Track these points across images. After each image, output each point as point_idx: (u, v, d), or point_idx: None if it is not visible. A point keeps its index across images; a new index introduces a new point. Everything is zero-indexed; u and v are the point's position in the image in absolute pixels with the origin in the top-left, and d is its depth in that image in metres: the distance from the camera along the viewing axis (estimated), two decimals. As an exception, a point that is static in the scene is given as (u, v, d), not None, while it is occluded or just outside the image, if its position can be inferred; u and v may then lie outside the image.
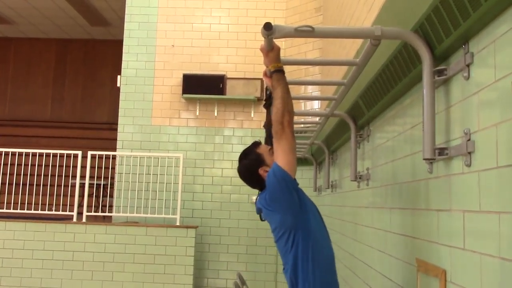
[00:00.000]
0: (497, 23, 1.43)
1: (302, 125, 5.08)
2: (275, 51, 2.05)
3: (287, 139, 2.07)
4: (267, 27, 1.80)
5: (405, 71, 2.11)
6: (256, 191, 2.36)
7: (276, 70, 2.08)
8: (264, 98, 2.62)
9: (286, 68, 2.16)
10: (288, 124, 2.05)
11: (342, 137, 4.00)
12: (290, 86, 2.15)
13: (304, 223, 2.12)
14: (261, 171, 2.25)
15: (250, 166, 2.29)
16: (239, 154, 2.40)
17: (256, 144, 2.37)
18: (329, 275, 2.16)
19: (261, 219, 2.36)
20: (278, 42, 2.05)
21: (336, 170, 4.68)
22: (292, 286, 2.14)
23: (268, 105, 2.58)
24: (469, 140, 1.56)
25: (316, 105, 6.17)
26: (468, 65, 1.60)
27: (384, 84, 2.43)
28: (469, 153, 1.56)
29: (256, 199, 2.35)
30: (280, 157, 2.09)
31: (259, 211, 2.33)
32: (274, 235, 2.25)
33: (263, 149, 2.32)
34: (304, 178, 6.50)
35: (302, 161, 6.38)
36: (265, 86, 2.21)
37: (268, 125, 2.61)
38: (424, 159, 1.78)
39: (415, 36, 1.79)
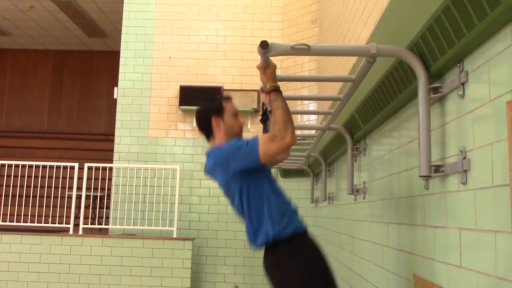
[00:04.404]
0: (491, 43, 1.44)
1: (299, 138, 5.09)
2: (271, 68, 2.07)
3: (279, 147, 2.08)
4: (263, 45, 1.81)
5: (400, 87, 2.12)
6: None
7: (273, 90, 2.10)
8: (261, 113, 2.63)
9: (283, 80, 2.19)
10: (291, 134, 2.07)
11: (338, 150, 4.01)
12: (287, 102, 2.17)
13: (251, 179, 2.17)
14: (213, 120, 2.31)
15: (208, 110, 2.35)
16: None
17: (226, 98, 2.42)
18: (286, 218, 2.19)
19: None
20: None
21: (333, 182, 4.69)
22: (254, 234, 2.19)
23: (264, 120, 2.59)
24: (464, 158, 1.57)
25: (312, 117, 6.19)
26: (463, 84, 1.61)
27: (380, 99, 2.44)
28: (465, 171, 1.56)
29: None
30: (264, 148, 2.09)
31: (206, 173, 2.38)
32: (227, 198, 2.33)
33: (228, 107, 2.36)
34: (301, 189, 6.51)
35: (299, 173, 6.38)
36: (261, 101, 2.23)
37: None
38: (420, 176, 1.78)
39: (410, 54, 1.80)
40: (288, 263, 2.12)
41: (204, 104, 2.41)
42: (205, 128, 2.36)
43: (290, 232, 2.14)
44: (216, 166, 2.24)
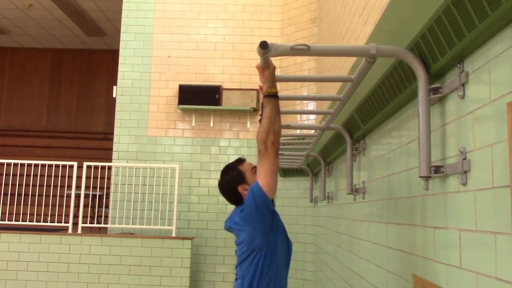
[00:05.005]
0: (491, 44, 1.44)
1: (298, 137, 5.09)
2: (270, 69, 2.05)
3: (269, 160, 2.07)
4: (263, 45, 1.80)
5: (400, 88, 2.11)
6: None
7: (267, 95, 2.09)
8: (260, 112, 2.63)
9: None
10: (271, 145, 2.06)
11: (338, 149, 4.00)
12: (286, 101, 2.15)
13: (271, 247, 2.13)
14: (240, 188, 2.28)
15: (231, 182, 2.32)
16: None
17: (239, 161, 2.39)
18: None
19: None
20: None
21: (332, 181, 4.68)
22: None
23: (263, 120, 2.59)
24: (464, 159, 1.56)
25: (312, 116, 6.19)
26: (463, 84, 1.61)
27: (380, 99, 2.43)
28: (465, 172, 1.56)
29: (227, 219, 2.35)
30: (261, 177, 2.10)
31: (228, 228, 2.34)
32: (238, 248, 2.26)
33: (245, 167, 2.35)
34: (300, 189, 6.51)
35: (298, 172, 6.38)
36: (261, 101, 2.21)
37: None
38: (420, 176, 1.78)
39: (411, 55, 1.80)
40: None
41: (223, 178, 2.36)
42: (236, 199, 2.32)
43: None
44: (244, 220, 2.17)
